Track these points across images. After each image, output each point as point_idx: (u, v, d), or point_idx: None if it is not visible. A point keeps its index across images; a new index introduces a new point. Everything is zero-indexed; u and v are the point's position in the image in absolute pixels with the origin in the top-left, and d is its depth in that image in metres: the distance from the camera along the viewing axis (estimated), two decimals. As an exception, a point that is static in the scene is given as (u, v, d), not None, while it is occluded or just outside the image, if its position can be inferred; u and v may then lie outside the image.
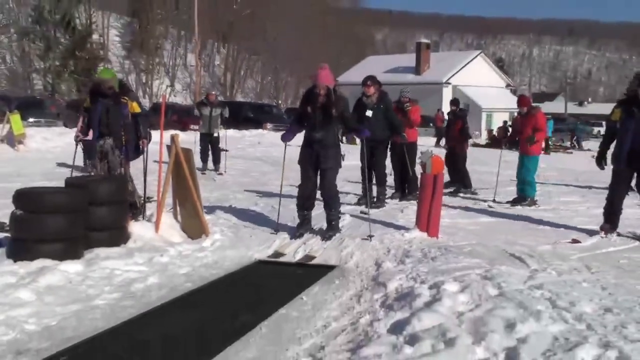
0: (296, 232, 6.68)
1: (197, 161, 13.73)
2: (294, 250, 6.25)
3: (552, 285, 4.73)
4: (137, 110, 7.54)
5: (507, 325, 3.73)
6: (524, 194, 9.51)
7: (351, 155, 9.08)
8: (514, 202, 9.46)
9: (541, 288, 4.62)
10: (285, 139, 6.78)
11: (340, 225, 6.87)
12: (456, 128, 11.35)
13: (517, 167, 9.65)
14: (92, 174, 7.37)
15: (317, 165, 6.55)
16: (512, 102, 47.11)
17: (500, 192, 10.23)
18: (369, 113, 8.58)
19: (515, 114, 10.24)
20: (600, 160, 7.37)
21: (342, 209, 8.11)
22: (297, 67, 62.65)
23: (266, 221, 7.52)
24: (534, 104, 9.93)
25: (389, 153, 9.31)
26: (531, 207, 9.24)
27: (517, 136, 9.87)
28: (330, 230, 6.67)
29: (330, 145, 6.54)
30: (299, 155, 6.70)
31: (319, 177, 6.67)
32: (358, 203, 8.75)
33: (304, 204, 6.71)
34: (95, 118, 7.33)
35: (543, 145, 13.46)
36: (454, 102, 11.97)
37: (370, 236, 6.45)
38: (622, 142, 6.95)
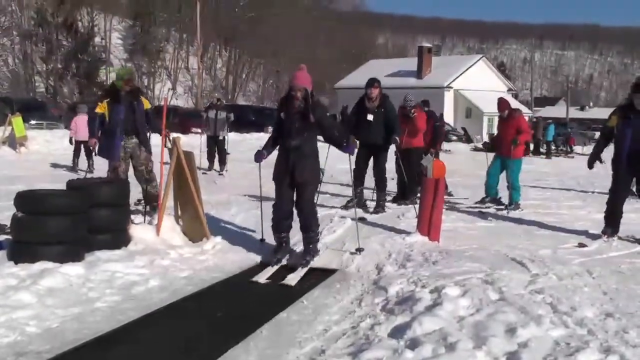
0: (272, 258, 5.81)
1: (205, 162, 14.05)
2: (266, 277, 5.45)
3: (553, 289, 4.73)
4: (148, 106, 7.67)
5: (508, 329, 3.73)
6: (512, 199, 9.34)
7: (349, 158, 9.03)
8: (505, 207, 9.29)
9: (542, 292, 4.63)
10: (258, 159, 5.90)
11: (318, 247, 6.06)
12: (429, 130, 10.97)
13: (495, 166, 9.46)
14: (115, 175, 7.44)
15: (293, 178, 5.71)
16: (513, 106, 47.17)
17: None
18: (370, 117, 8.42)
19: (498, 117, 10.06)
20: (593, 161, 7.49)
21: (339, 212, 8.13)
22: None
23: (267, 224, 7.50)
24: (516, 109, 9.74)
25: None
26: (516, 212, 9.08)
27: (498, 140, 9.68)
28: (308, 254, 5.86)
29: (308, 155, 5.71)
30: (274, 168, 5.88)
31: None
32: (345, 207, 8.64)
33: (280, 225, 5.83)
34: (117, 118, 7.41)
35: (532, 147, 13.37)
36: (425, 103, 11.68)
37: (359, 249, 6.05)
38: (620, 147, 7.01)
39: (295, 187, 5.76)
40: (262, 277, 5.39)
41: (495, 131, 10.39)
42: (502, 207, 9.30)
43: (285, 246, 5.96)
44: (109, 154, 7.60)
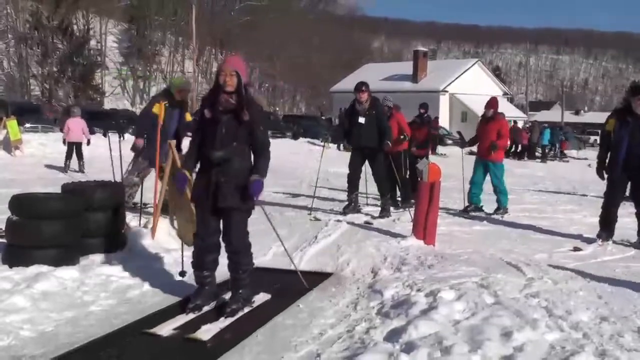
0: (189, 304, 4.50)
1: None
2: (172, 327, 4.16)
3: (549, 293, 4.74)
4: (189, 118, 8.00)
5: (503, 333, 3.73)
6: (500, 203, 9.26)
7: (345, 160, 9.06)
8: (492, 212, 9.21)
9: (537, 296, 4.63)
10: (181, 184, 4.70)
11: (247, 294, 4.67)
12: (423, 134, 11.10)
13: (476, 172, 9.30)
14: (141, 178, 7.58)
15: (217, 202, 4.39)
16: (509, 110, 47.18)
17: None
18: (361, 120, 8.42)
19: (480, 117, 9.96)
20: (601, 170, 7.33)
21: (332, 217, 8.09)
22: (294, 75, 62.78)
23: (262, 228, 7.50)
24: (500, 112, 9.53)
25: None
26: (510, 216, 9.03)
27: (478, 141, 9.54)
28: (235, 302, 4.51)
29: (237, 173, 4.37)
30: (193, 185, 4.65)
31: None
32: (344, 212, 8.63)
33: (202, 261, 4.57)
34: (171, 123, 7.62)
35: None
36: (423, 106, 11.66)
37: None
38: (616, 150, 6.99)
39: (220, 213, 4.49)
40: (164, 328, 4.10)
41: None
42: (490, 213, 9.16)
43: (209, 289, 4.64)
44: (151, 159, 7.52)
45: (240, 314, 4.46)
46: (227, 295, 4.65)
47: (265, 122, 4.61)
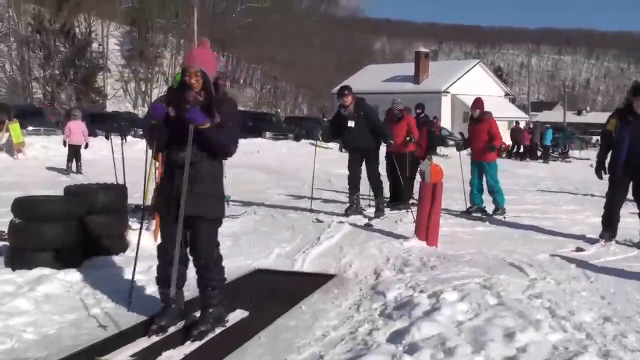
0: (153, 326, 4.04)
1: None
2: (130, 353, 3.74)
3: (552, 294, 4.73)
4: None
5: (506, 334, 3.73)
6: (497, 204, 9.22)
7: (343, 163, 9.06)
8: (492, 214, 9.16)
9: (540, 297, 4.63)
10: (158, 113, 3.97)
11: (221, 315, 4.22)
12: (423, 135, 11.07)
13: (474, 175, 9.28)
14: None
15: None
16: (511, 111, 47.09)
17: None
18: (351, 123, 8.45)
19: (469, 119, 9.93)
20: (600, 170, 7.35)
21: (334, 219, 8.10)
22: (296, 76, 62.81)
23: (265, 230, 7.51)
24: (487, 112, 9.42)
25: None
26: (502, 216, 8.98)
27: (470, 144, 9.54)
28: (204, 323, 4.06)
29: (204, 177, 3.99)
30: (156, 193, 4.27)
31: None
32: (346, 214, 8.63)
33: (168, 276, 4.01)
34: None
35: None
36: (420, 106, 11.61)
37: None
38: (618, 150, 6.98)
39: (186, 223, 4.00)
40: (119, 356, 3.67)
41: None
42: (489, 215, 9.11)
43: (176, 307, 4.19)
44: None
45: (210, 336, 4.01)
46: (199, 313, 4.19)
47: (238, 121, 4.16)
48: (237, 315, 4.41)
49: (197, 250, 4.07)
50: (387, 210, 8.99)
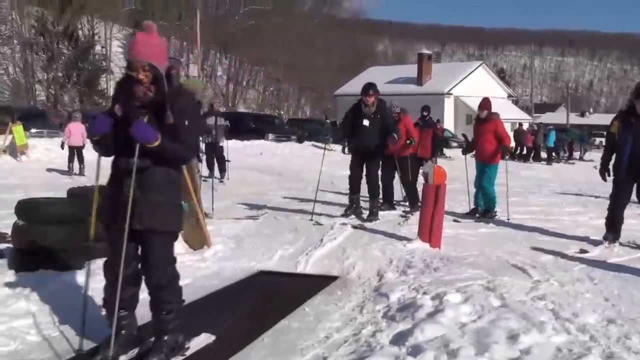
0: (97, 356, 3.50)
1: (204, 170, 14.04)
2: None
3: (555, 296, 4.72)
4: None
5: (510, 336, 3.72)
6: (489, 206, 9.15)
7: (344, 164, 9.04)
8: (481, 215, 9.12)
9: (544, 299, 4.62)
10: (99, 126, 3.42)
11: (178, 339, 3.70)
12: (428, 137, 11.04)
13: (478, 176, 9.22)
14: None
15: (132, 223, 3.42)
16: (514, 112, 47.01)
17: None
18: (366, 122, 8.32)
19: (474, 120, 9.88)
20: (604, 172, 7.33)
21: (336, 221, 8.09)
22: (299, 78, 62.85)
23: (268, 232, 7.51)
24: (495, 112, 9.38)
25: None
26: (492, 219, 8.90)
27: (475, 145, 9.44)
28: (157, 352, 3.57)
29: (157, 185, 3.47)
30: (101, 203, 3.66)
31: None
32: (345, 214, 8.62)
33: (115, 298, 3.46)
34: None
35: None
36: (425, 108, 11.54)
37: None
38: (621, 152, 6.97)
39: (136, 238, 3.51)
40: None
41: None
42: (479, 217, 9.06)
43: (126, 333, 3.66)
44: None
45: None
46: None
47: (195, 120, 3.56)
48: (201, 340, 3.85)
49: (149, 268, 3.55)
50: (381, 214, 8.91)
